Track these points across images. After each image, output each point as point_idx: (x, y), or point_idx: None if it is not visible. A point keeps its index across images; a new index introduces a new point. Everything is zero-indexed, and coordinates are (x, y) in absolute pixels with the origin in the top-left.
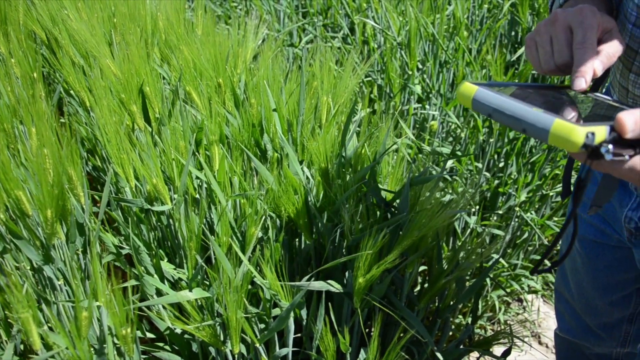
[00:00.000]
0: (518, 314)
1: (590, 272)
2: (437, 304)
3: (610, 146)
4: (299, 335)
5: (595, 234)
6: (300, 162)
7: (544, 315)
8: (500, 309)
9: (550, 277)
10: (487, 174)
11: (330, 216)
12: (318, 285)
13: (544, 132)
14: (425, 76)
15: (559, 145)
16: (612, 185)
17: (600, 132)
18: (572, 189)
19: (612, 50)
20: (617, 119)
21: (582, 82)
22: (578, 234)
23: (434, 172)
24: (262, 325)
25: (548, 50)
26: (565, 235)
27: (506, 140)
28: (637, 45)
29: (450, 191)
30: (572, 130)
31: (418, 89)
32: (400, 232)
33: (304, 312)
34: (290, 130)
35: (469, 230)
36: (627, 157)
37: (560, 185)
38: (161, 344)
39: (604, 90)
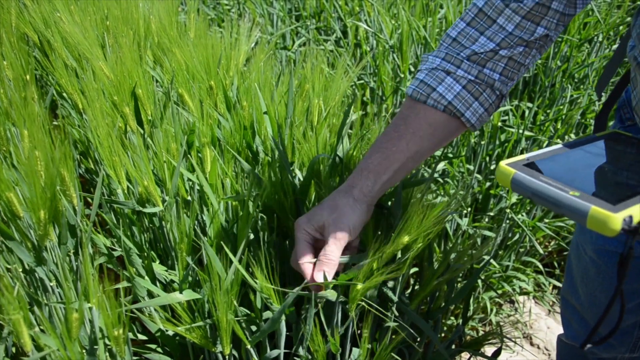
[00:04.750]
0: (510, 315)
1: (606, 281)
2: (428, 306)
3: None
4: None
5: (614, 243)
6: (291, 164)
7: (536, 317)
8: (491, 310)
9: (542, 279)
10: (479, 176)
11: None
12: (310, 293)
13: (582, 219)
14: None
15: (599, 231)
16: None
17: (637, 212)
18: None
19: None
20: None
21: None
22: (597, 246)
23: (425, 175)
24: (254, 328)
25: None
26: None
27: (497, 142)
28: None
29: (442, 193)
30: (608, 218)
31: None
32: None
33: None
34: (280, 133)
35: (460, 232)
36: None
37: None
38: (153, 346)
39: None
